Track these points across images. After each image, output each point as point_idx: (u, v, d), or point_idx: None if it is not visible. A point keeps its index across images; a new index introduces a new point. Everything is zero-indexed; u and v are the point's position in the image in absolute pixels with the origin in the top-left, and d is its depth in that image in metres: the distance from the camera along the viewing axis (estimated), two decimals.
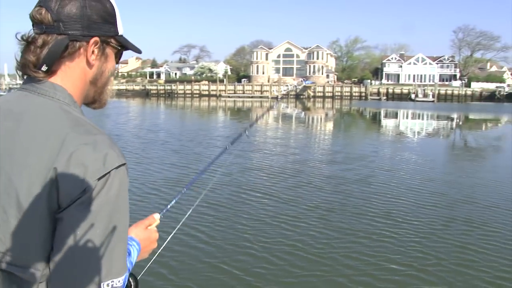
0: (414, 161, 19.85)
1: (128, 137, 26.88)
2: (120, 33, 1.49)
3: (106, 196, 1.25)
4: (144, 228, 1.75)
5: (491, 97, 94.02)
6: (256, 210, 11.60)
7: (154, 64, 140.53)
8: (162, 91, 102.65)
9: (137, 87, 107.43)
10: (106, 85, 1.54)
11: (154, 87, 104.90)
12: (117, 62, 1.58)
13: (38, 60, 1.36)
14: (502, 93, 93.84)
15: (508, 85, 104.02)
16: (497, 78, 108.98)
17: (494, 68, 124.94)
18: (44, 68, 1.36)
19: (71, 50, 1.39)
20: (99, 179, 1.24)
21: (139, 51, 1.58)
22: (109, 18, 1.43)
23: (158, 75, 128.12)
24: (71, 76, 1.42)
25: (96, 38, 1.41)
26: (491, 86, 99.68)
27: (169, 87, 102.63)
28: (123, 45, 1.53)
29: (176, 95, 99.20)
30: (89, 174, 1.23)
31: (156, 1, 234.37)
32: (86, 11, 1.37)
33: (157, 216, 1.84)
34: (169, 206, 2.11)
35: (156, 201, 12.00)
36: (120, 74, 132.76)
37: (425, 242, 9.34)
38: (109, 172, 1.26)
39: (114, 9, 1.45)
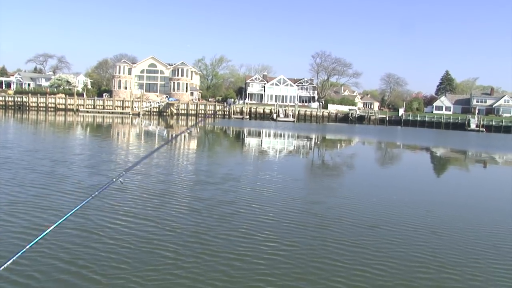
0: (277, 180, 19.59)
1: None
2: None
3: None
4: None
5: (345, 118, 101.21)
6: (116, 231, 10.54)
7: (3, 73, 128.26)
8: (11, 103, 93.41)
9: None
10: None
11: (1, 98, 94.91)
12: None
13: None
14: (354, 115, 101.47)
15: (359, 108, 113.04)
16: (350, 101, 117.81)
17: (347, 92, 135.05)
18: None
19: None
20: None
21: None
22: None
23: (8, 85, 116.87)
24: None
25: None
26: (345, 108, 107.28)
27: (19, 99, 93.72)
28: None
29: (27, 108, 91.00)
30: None
31: (5, 3, 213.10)
32: None
33: None
34: (1, 268, 1.75)
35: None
36: None
37: (285, 260, 8.97)
38: None
39: None
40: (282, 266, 9.00)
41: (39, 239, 2.03)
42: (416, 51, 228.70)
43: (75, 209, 2.15)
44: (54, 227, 2.03)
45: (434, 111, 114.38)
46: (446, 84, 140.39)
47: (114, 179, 2.54)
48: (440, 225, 12.89)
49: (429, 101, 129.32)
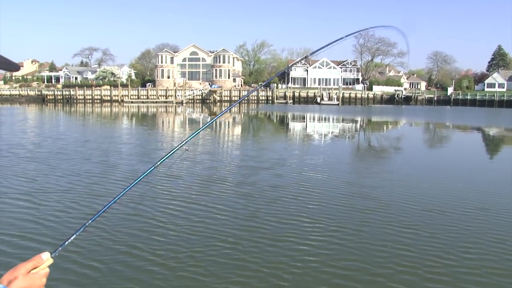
0: (324, 164, 19.11)
1: (30, 146, 23.95)
2: None
3: None
4: (24, 273, 1.36)
5: (391, 99, 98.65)
6: (168, 216, 10.50)
7: (52, 68, 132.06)
8: (59, 97, 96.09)
9: (32, 92, 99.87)
10: None
11: (51, 92, 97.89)
12: None
13: None
14: (400, 96, 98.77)
15: (405, 89, 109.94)
16: (395, 82, 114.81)
17: (392, 73, 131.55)
18: None
19: None
20: None
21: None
22: None
23: (57, 79, 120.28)
24: None
25: None
26: (390, 89, 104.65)
27: (67, 92, 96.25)
28: None
29: (75, 101, 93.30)
30: None
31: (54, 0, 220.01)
32: None
33: (46, 255, 1.43)
34: (66, 243, 1.67)
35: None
36: (14, 78, 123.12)
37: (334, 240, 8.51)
38: None
39: None
40: (329, 253, 8.54)
41: (101, 213, 1.94)
42: (464, 26, 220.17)
43: (140, 178, 2.13)
44: (117, 199, 1.99)
45: (486, 89, 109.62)
46: (498, 60, 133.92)
47: (178, 146, 2.34)
48: (500, 208, 11.98)
49: (480, 78, 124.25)
